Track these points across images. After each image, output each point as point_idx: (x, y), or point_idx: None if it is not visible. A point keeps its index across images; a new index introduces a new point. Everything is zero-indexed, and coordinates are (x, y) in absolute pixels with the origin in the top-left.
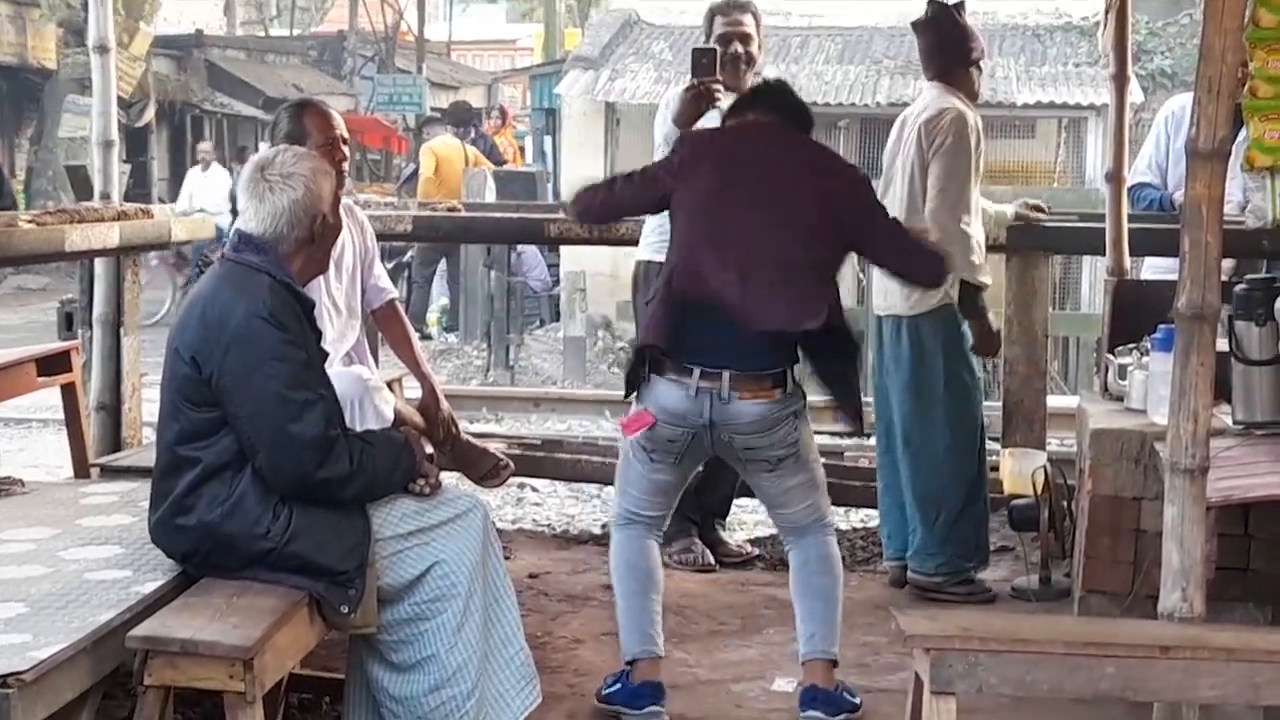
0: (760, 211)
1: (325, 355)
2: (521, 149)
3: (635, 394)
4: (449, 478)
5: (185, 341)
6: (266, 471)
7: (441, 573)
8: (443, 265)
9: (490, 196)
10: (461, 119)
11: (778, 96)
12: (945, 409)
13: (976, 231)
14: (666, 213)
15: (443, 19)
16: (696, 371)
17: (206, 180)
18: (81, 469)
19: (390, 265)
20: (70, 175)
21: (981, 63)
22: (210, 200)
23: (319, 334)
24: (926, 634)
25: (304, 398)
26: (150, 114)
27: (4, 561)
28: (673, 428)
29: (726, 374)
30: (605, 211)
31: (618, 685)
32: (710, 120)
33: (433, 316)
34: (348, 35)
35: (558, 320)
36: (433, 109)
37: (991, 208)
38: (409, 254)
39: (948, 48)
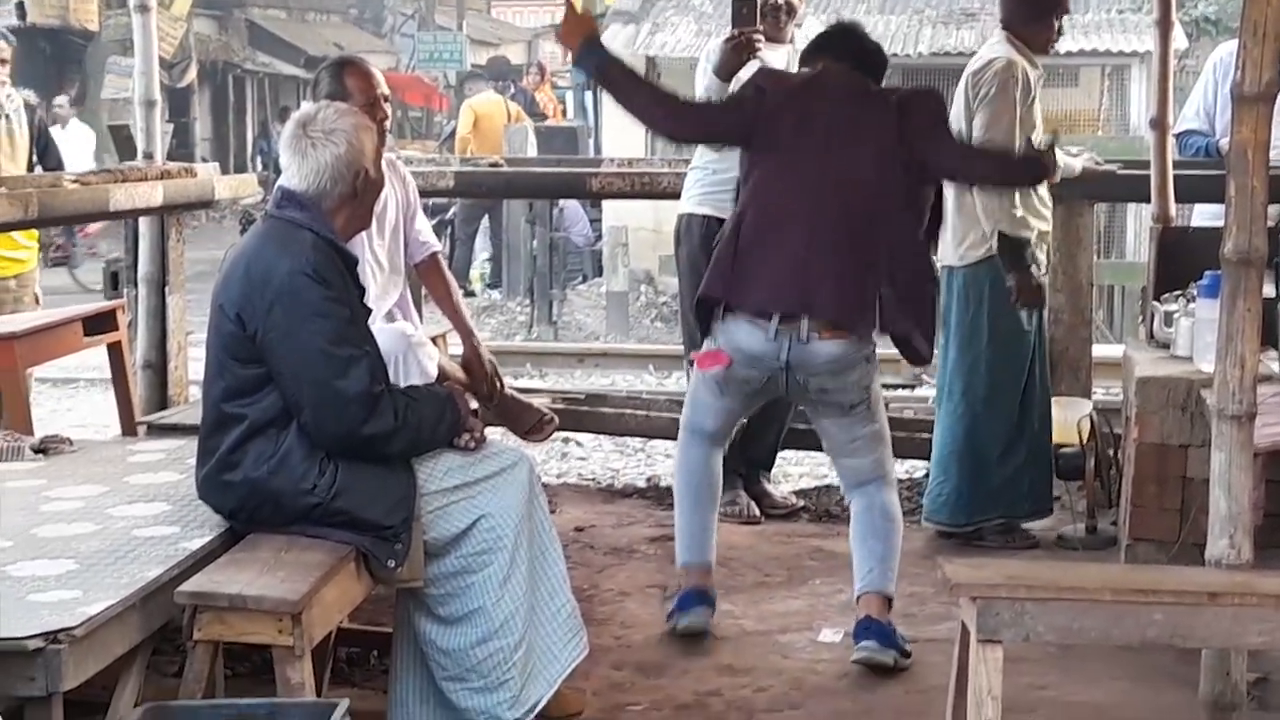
0: (838, 180)
1: (369, 311)
2: (562, 105)
3: (709, 331)
4: (493, 432)
5: (230, 298)
6: (311, 428)
7: (487, 526)
8: (485, 221)
9: (532, 152)
10: (500, 74)
11: (848, 41)
12: (987, 361)
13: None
14: (716, 156)
15: None
16: (775, 315)
17: (66, 137)
18: (128, 427)
19: (433, 222)
20: (113, 135)
21: (1049, 14)
22: (70, 159)
23: (362, 290)
24: (973, 583)
25: (348, 354)
26: (192, 74)
27: (54, 519)
28: (748, 370)
29: (805, 318)
30: (675, 124)
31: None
32: (751, 70)
33: (476, 273)
34: None
35: (600, 275)
36: (473, 66)
37: (1061, 159)
38: (451, 211)
39: None
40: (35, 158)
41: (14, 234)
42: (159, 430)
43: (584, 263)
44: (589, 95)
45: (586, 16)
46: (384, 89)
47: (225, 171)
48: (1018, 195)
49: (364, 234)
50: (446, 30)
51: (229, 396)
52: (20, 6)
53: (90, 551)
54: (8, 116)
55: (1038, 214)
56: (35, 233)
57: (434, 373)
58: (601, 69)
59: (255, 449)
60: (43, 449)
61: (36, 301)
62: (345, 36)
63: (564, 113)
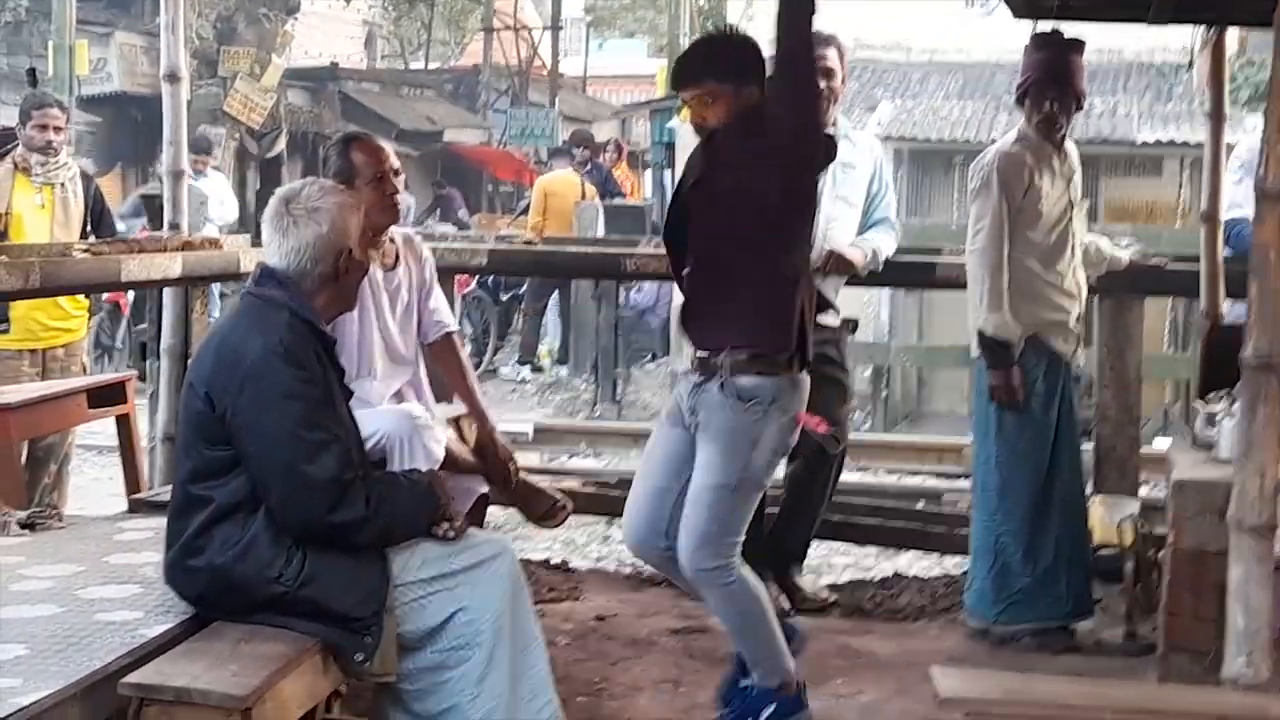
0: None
1: (349, 394)
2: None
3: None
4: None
5: (200, 376)
6: (278, 513)
7: (465, 619)
8: (555, 297)
9: (600, 229)
10: (584, 141)
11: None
12: (997, 457)
13: (1062, 276)
14: None
15: (580, 54)
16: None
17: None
18: (135, 502)
19: (506, 296)
20: (145, 205)
21: (1031, 96)
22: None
23: (341, 372)
24: (965, 698)
25: (318, 438)
26: (282, 145)
27: (18, 599)
28: None
29: None
30: None
31: (774, 706)
32: None
33: (544, 349)
34: (483, 69)
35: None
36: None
37: (1108, 250)
38: (524, 286)
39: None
40: (89, 226)
41: (62, 303)
42: (150, 507)
43: (654, 341)
44: (667, 174)
45: None
46: (393, 163)
47: None
48: (989, 287)
49: (374, 311)
50: (539, 106)
51: (196, 478)
52: (31, 73)
53: (45, 636)
54: (63, 185)
55: (1050, 305)
56: (84, 301)
57: (440, 456)
58: None
59: (221, 533)
60: (30, 524)
61: (84, 370)
62: (438, 111)
63: (641, 188)
